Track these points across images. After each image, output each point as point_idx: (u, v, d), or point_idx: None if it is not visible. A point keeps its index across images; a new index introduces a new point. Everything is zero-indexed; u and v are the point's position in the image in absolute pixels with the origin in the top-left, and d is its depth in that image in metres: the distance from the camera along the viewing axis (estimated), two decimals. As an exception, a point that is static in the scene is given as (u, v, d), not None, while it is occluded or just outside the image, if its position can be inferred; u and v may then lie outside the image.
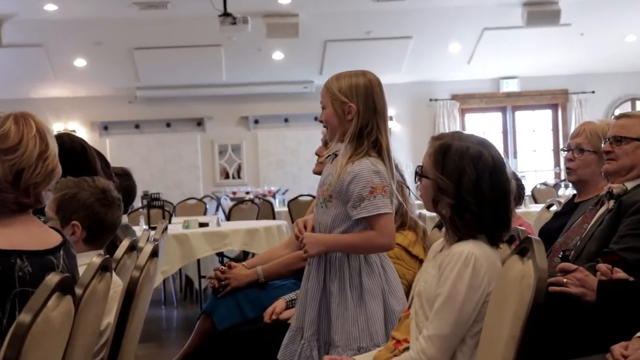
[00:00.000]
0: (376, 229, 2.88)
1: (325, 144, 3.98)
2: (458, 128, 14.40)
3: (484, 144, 2.44)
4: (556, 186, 11.98)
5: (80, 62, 13.19)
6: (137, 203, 9.07)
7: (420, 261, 3.26)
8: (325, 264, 2.97)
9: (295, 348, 3.00)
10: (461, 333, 2.32)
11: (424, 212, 3.82)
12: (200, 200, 11.66)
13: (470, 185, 2.36)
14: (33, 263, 2.16)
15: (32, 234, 2.27)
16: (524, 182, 4.43)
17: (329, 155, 3.05)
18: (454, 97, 14.94)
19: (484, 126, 15.05)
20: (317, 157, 4.03)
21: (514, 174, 4.16)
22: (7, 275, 2.10)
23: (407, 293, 2.98)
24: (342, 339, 2.90)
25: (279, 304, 3.76)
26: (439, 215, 2.47)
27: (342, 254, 2.94)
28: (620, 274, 2.63)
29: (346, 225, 2.93)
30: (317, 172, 4.03)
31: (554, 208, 4.63)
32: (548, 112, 15.45)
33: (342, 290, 2.92)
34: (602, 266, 2.65)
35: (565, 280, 2.58)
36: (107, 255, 2.33)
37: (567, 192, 10.28)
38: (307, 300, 3.00)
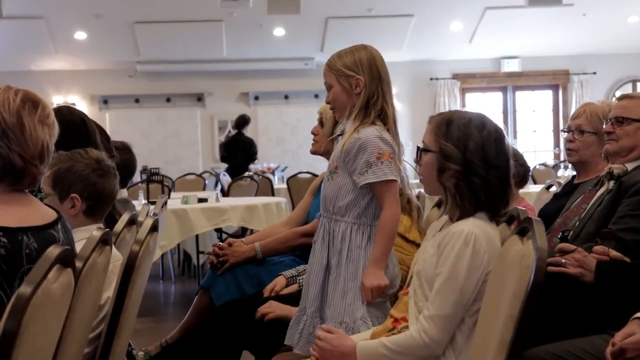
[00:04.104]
0: (383, 199, 2.90)
1: (321, 122, 3.99)
2: (458, 107, 14.38)
3: (484, 116, 2.49)
4: (556, 167, 11.98)
5: (80, 35, 13.14)
6: (137, 178, 9.06)
7: (417, 245, 3.27)
8: (329, 239, 2.98)
9: (299, 329, 3.00)
10: (462, 313, 2.32)
11: (423, 192, 3.82)
12: (200, 175, 11.66)
13: (476, 149, 2.38)
14: (37, 239, 2.17)
15: (32, 210, 2.27)
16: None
17: (339, 135, 3.07)
18: (455, 77, 14.92)
19: (484, 106, 15.04)
20: (313, 136, 4.04)
21: (519, 155, 4.15)
22: (15, 253, 2.10)
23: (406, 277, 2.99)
24: (330, 311, 2.93)
25: (280, 280, 3.77)
26: (443, 189, 2.47)
27: (345, 228, 2.95)
28: (614, 253, 2.64)
29: (352, 197, 2.95)
30: (314, 152, 4.04)
31: (553, 189, 4.63)
32: (549, 93, 15.44)
33: (339, 263, 2.94)
34: (599, 248, 2.65)
35: (563, 260, 2.59)
36: (107, 229, 2.34)
37: (566, 173, 10.29)
38: (311, 277, 3.01)
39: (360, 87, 2.95)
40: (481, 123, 2.43)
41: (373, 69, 2.97)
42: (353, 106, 2.97)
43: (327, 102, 3.09)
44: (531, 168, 11.38)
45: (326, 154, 3.99)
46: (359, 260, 2.93)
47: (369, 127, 2.92)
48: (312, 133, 4.02)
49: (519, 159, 4.15)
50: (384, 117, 2.97)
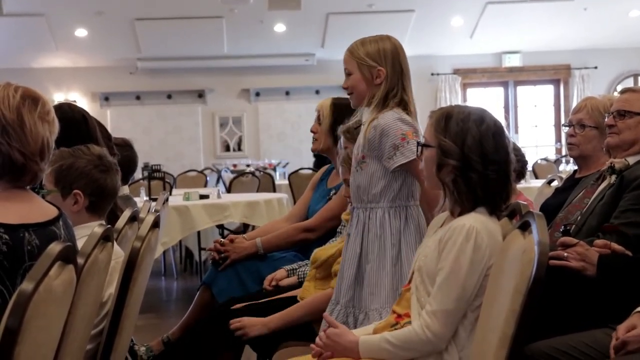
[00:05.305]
0: (419, 175, 2.87)
1: (319, 119, 4.00)
2: (460, 103, 14.35)
3: (483, 110, 2.48)
4: (557, 161, 11.98)
5: (81, 32, 13.14)
6: (138, 174, 9.07)
7: None
8: (364, 229, 2.99)
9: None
10: (464, 308, 2.32)
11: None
12: (201, 172, 11.66)
13: (474, 144, 2.37)
14: (39, 235, 2.17)
15: (33, 206, 2.27)
16: (525, 157, 4.41)
17: (358, 126, 3.08)
18: (456, 72, 14.90)
19: (485, 101, 15.04)
20: (312, 134, 4.04)
21: (518, 149, 4.15)
22: (17, 250, 2.11)
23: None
24: (380, 299, 2.91)
25: (280, 271, 3.80)
26: (443, 185, 2.46)
27: (382, 213, 2.96)
28: (616, 246, 2.64)
29: (385, 182, 2.97)
30: (315, 150, 4.04)
31: (555, 183, 4.63)
32: (550, 87, 15.43)
33: (380, 248, 2.95)
34: (600, 241, 2.65)
35: (565, 254, 2.59)
36: (109, 225, 2.34)
37: (568, 167, 10.28)
38: (344, 267, 3.01)
39: (381, 79, 2.97)
40: (480, 117, 2.42)
41: (396, 61, 2.99)
42: (372, 97, 2.98)
43: (345, 88, 3.10)
44: (532, 163, 11.43)
45: (327, 150, 3.99)
46: (400, 244, 2.95)
47: (387, 112, 2.94)
48: (312, 131, 4.03)
49: (516, 153, 4.15)
50: (405, 105, 2.99)
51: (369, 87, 2.99)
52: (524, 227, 2.15)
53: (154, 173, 7.35)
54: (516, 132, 15.19)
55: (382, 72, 2.96)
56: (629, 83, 14.98)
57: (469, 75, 15.03)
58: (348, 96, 3.13)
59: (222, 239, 4.20)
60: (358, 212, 3.04)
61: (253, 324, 3.33)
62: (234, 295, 3.91)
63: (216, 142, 14.74)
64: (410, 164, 2.92)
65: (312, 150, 4.10)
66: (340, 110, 3.90)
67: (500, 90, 15.39)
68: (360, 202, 3.04)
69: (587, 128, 3.63)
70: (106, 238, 2.29)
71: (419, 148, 2.55)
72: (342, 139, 3.30)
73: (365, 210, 3.00)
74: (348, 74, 3.05)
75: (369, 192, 2.99)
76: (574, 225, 2.97)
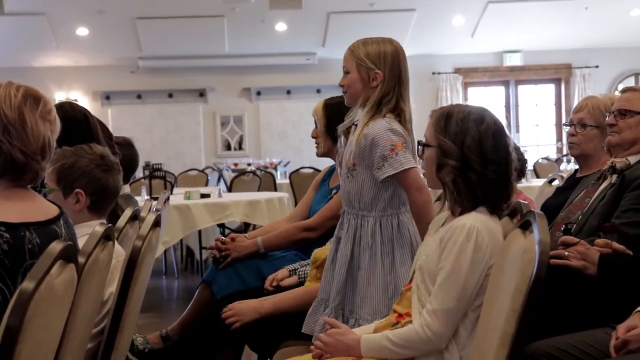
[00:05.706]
0: (407, 187, 2.91)
1: (316, 124, 4.00)
2: (461, 102, 14.35)
3: (484, 110, 2.48)
4: (558, 161, 11.98)
5: (82, 31, 13.14)
6: (139, 173, 9.07)
7: None
8: (355, 234, 2.98)
9: (317, 318, 2.99)
10: (465, 307, 2.32)
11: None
12: (202, 171, 11.66)
13: (473, 144, 2.37)
14: (40, 234, 2.17)
15: (34, 205, 2.27)
16: (526, 156, 4.41)
17: (351, 125, 3.07)
18: (457, 71, 14.90)
19: (486, 100, 15.03)
20: (314, 139, 4.03)
21: (517, 148, 4.15)
22: (18, 248, 2.11)
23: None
24: (370, 307, 2.91)
25: (282, 271, 3.79)
26: (443, 184, 2.47)
27: (373, 222, 2.96)
28: (617, 245, 2.63)
29: (375, 191, 2.96)
30: (319, 155, 4.04)
31: (556, 182, 4.63)
32: (551, 87, 15.42)
33: (372, 257, 2.94)
34: (601, 241, 2.65)
35: (566, 253, 2.59)
36: (110, 225, 2.34)
37: (569, 166, 10.28)
38: (336, 269, 3.01)
39: (377, 82, 2.95)
40: (480, 117, 2.42)
41: (395, 67, 2.96)
42: (367, 99, 2.97)
43: (341, 85, 3.08)
44: (533, 162, 11.42)
45: (329, 152, 3.99)
46: (393, 253, 2.94)
47: (379, 120, 2.92)
48: (313, 137, 4.03)
49: (515, 152, 4.15)
50: (400, 113, 2.97)
51: (365, 88, 2.97)
52: (525, 227, 2.15)
53: (155, 172, 7.36)
54: (517, 131, 15.19)
55: (379, 75, 2.94)
56: (630, 82, 14.97)
57: (470, 75, 15.03)
58: (342, 94, 3.13)
59: (223, 238, 4.20)
60: (349, 217, 3.03)
61: (244, 310, 3.33)
62: (234, 291, 3.91)
63: (217, 141, 14.74)
64: (398, 175, 2.91)
65: (317, 156, 4.10)
66: (333, 109, 3.90)
67: (501, 89, 15.38)
68: (351, 207, 3.03)
69: (588, 127, 3.63)
70: (107, 237, 2.29)
71: (420, 148, 2.55)
72: (341, 139, 3.30)
73: (357, 217, 3.00)
74: (346, 72, 3.03)
75: (359, 199, 2.99)
76: (575, 225, 2.98)
